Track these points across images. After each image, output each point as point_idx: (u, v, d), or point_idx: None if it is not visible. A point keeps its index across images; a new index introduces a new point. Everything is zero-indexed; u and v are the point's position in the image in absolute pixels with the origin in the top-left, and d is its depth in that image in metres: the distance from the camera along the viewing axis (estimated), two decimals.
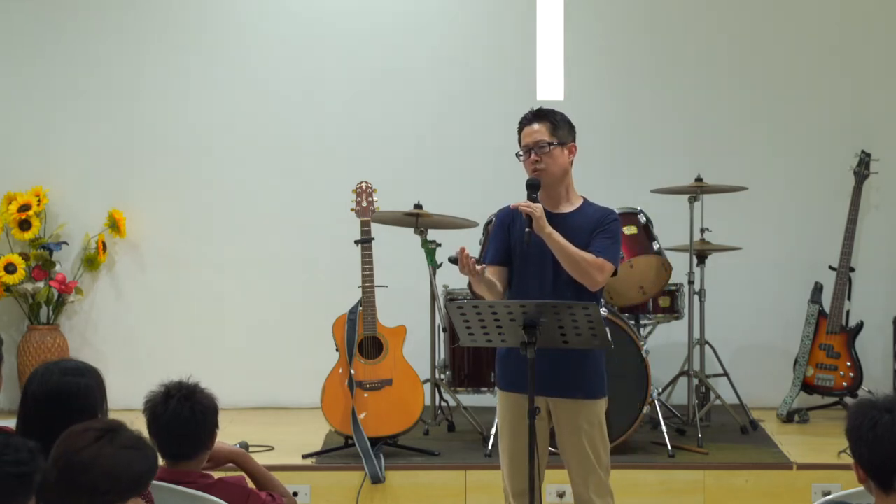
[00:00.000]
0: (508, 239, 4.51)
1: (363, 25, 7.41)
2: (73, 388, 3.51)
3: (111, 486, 2.82)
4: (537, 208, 4.37)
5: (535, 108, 4.62)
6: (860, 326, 6.98)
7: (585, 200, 4.56)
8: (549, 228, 4.35)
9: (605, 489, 4.50)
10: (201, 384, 3.75)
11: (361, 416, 5.95)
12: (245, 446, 5.87)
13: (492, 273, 4.45)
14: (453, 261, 4.30)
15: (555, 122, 4.54)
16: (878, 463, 2.87)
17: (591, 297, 4.37)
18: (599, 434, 4.47)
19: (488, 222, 6.18)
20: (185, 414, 3.66)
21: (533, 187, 4.47)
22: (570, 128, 4.59)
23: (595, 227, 4.44)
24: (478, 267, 4.29)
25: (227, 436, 5.37)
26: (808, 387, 6.97)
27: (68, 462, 2.82)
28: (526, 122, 4.58)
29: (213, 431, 3.75)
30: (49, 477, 2.83)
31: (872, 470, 2.89)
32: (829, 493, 5.08)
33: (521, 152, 4.57)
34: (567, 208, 4.51)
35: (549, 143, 4.49)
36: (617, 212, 6.11)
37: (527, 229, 4.36)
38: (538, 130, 4.52)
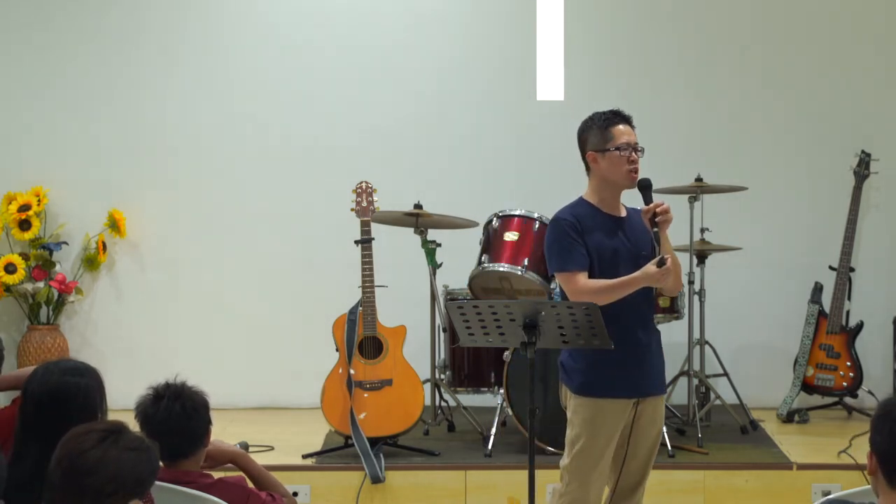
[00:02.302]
0: (586, 244, 4.37)
1: (363, 25, 7.41)
2: (73, 387, 3.51)
3: (116, 487, 2.83)
4: (670, 213, 4.31)
5: (617, 110, 4.51)
6: (860, 326, 6.98)
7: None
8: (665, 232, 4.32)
9: (645, 485, 4.61)
10: (188, 382, 3.75)
11: (361, 417, 5.95)
12: (245, 446, 5.87)
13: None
14: (661, 263, 4.22)
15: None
16: (892, 455, 2.87)
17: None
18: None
19: (488, 222, 6.18)
20: (177, 412, 3.67)
21: (648, 188, 4.40)
22: None
23: (647, 230, 4.41)
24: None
25: (228, 436, 5.40)
26: (808, 387, 6.97)
27: (73, 464, 2.82)
28: (622, 119, 4.48)
29: (208, 428, 3.76)
30: (53, 479, 2.83)
31: (885, 461, 2.89)
32: (829, 493, 5.10)
33: (616, 147, 4.40)
34: (623, 212, 4.51)
35: (643, 149, 4.47)
36: None
37: (654, 229, 4.30)
38: (634, 133, 4.47)
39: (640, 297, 4.38)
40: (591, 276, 4.35)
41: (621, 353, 4.26)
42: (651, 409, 4.46)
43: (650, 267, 4.25)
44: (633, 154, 4.42)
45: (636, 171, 4.42)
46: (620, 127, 4.45)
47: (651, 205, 4.31)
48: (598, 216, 4.40)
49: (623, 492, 4.55)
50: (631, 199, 4.54)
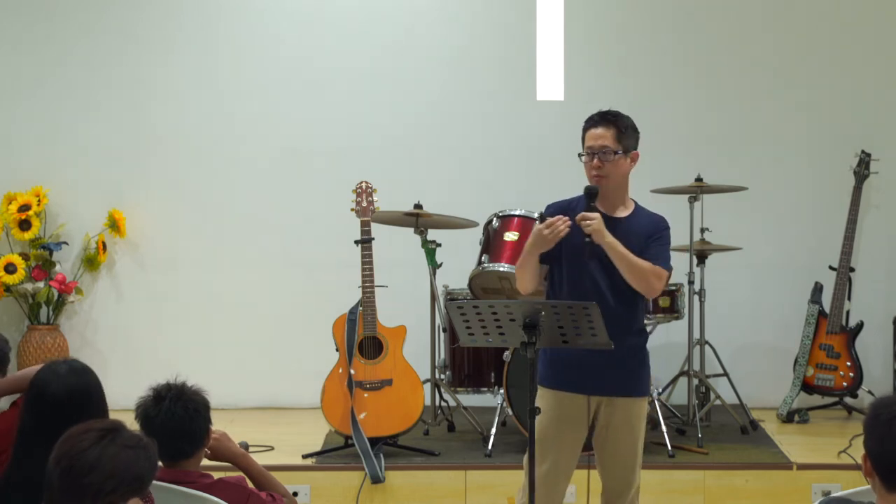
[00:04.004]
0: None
1: (363, 25, 7.41)
2: (90, 387, 3.51)
3: (115, 485, 2.83)
4: (594, 222, 4.32)
5: (605, 111, 4.52)
6: (860, 326, 6.98)
7: (637, 205, 4.55)
8: (610, 238, 4.32)
9: (637, 485, 4.55)
10: (188, 382, 3.75)
11: (361, 416, 5.95)
12: (245, 446, 5.86)
13: None
14: (543, 217, 4.28)
15: (621, 129, 4.46)
16: (887, 460, 2.87)
17: (642, 302, 4.42)
18: (642, 431, 4.53)
19: (488, 222, 6.18)
20: (178, 413, 3.66)
21: (592, 195, 4.40)
22: (635, 134, 4.54)
23: (650, 234, 4.42)
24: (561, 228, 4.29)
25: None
26: (808, 387, 6.97)
27: (72, 463, 2.82)
28: (592, 123, 4.49)
29: (208, 427, 3.76)
30: (52, 478, 2.83)
31: (880, 466, 2.89)
32: (829, 493, 5.09)
33: (583, 153, 4.48)
34: (623, 212, 4.49)
35: (615, 152, 4.43)
36: None
37: (586, 239, 4.32)
38: (603, 136, 4.44)
39: (614, 299, 4.35)
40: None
41: (583, 350, 4.27)
42: (622, 411, 4.43)
43: (537, 225, 4.34)
44: (594, 159, 4.43)
45: (598, 177, 4.43)
46: (590, 131, 4.49)
47: (580, 214, 4.35)
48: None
49: (611, 497, 4.55)
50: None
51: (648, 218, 4.51)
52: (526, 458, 4.28)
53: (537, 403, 4.14)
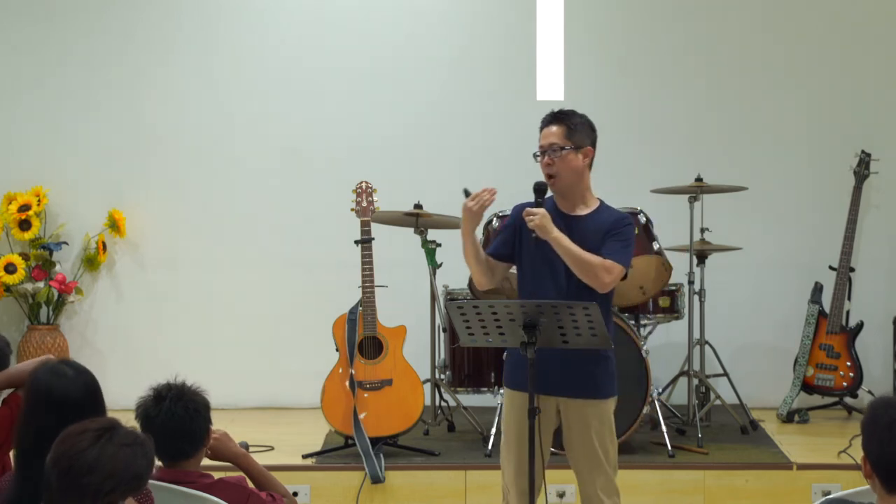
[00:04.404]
0: (516, 236, 4.50)
1: (363, 25, 7.41)
2: (90, 386, 3.51)
3: (115, 485, 2.83)
4: (537, 217, 4.34)
5: (557, 110, 4.57)
6: (860, 326, 6.98)
7: (602, 203, 4.54)
8: (555, 233, 4.34)
9: (613, 488, 4.50)
10: (188, 382, 3.75)
11: (361, 416, 5.95)
12: (245, 446, 5.85)
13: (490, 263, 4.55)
14: (467, 193, 4.34)
15: (571, 126, 4.49)
16: (887, 462, 2.87)
17: (603, 298, 4.36)
18: (609, 433, 4.48)
19: (488, 222, 6.17)
20: (179, 414, 3.66)
21: (539, 192, 4.45)
22: (590, 131, 4.55)
23: (609, 231, 4.42)
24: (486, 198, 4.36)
25: None
26: (808, 387, 6.97)
27: (71, 464, 2.82)
28: (545, 123, 4.54)
29: (208, 427, 3.75)
30: (51, 480, 2.83)
31: (880, 468, 2.88)
32: (829, 493, 5.09)
33: (537, 153, 4.52)
34: (583, 210, 4.50)
35: (563, 147, 4.45)
36: None
37: (533, 234, 4.36)
38: (554, 133, 4.48)
39: (572, 298, 4.31)
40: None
41: (543, 351, 4.26)
42: (577, 412, 4.41)
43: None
44: (545, 157, 4.47)
45: (548, 175, 4.47)
46: (542, 132, 4.54)
47: (524, 210, 4.41)
48: (553, 212, 4.44)
49: (583, 498, 4.54)
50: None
51: (610, 215, 4.49)
52: (503, 457, 4.39)
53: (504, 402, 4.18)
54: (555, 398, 4.42)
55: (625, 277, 4.48)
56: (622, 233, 4.43)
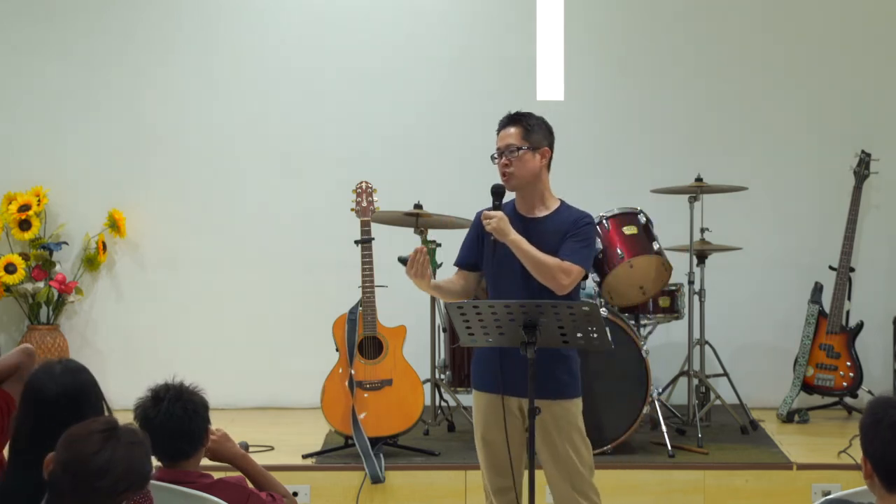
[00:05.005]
0: (480, 243, 4.52)
1: (363, 25, 7.41)
2: (87, 385, 3.51)
3: (127, 485, 2.83)
4: (494, 220, 4.36)
5: (512, 112, 4.59)
6: (860, 326, 6.98)
7: (563, 204, 4.53)
8: (513, 235, 4.36)
9: (589, 488, 4.48)
10: (187, 382, 3.75)
11: (361, 416, 5.95)
12: (245, 446, 5.86)
13: (459, 276, 4.58)
14: (403, 261, 4.35)
15: (527, 127, 4.49)
16: (888, 462, 2.86)
17: (566, 299, 4.35)
18: (578, 433, 4.46)
19: None
20: (178, 414, 3.65)
21: (497, 195, 4.46)
22: (547, 132, 4.54)
23: (567, 231, 4.41)
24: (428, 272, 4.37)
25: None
26: (808, 387, 6.97)
27: (83, 468, 2.80)
28: (501, 125, 4.55)
29: (207, 427, 3.75)
30: (62, 485, 2.82)
31: (881, 468, 2.88)
32: (829, 493, 5.09)
33: (495, 154, 4.53)
34: (542, 212, 4.50)
35: (519, 148, 4.45)
36: (616, 211, 6.18)
37: (491, 238, 4.38)
38: (511, 134, 4.49)
39: (532, 299, 4.30)
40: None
41: (499, 350, 4.30)
42: (548, 414, 4.36)
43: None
44: (502, 158, 4.47)
45: (504, 176, 4.47)
46: (500, 133, 4.54)
47: (483, 213, 4.43)
48: (512, 215, 4.46)
49: (563, 499, 4.51)
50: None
51: (570, 215, 4.47)
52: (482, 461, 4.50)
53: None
54: (517, 399, 4.41)
55: (585, 277, 4.48)
56: (580, 233, 4.42)
